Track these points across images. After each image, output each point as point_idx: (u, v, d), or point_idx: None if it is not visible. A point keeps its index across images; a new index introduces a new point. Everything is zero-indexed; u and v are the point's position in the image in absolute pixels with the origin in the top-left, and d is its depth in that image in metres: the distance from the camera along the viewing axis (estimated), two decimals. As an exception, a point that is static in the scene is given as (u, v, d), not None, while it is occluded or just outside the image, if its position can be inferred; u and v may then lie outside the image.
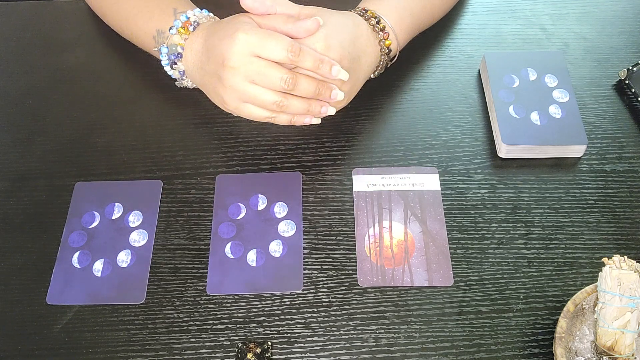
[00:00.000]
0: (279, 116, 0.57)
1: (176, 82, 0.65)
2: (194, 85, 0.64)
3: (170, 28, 0.60)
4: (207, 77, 0.58)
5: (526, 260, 0.56)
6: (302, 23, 0.55)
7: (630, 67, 0.67)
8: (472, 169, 0.62)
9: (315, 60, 0.54)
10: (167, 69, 0.62)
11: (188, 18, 0.60)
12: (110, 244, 0.58)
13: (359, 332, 0.53)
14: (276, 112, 0.57)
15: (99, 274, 0.56)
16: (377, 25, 0.60)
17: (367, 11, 0.61)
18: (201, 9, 0.62)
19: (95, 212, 0.60)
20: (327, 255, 0.57)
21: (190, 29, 0.60)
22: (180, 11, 0.61)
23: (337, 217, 0.59)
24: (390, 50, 0.62)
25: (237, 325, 0.53)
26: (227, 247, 0.57)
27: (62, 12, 0.77)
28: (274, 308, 0.54)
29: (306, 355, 0.52)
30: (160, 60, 0.62)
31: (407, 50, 0.67)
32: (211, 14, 0.62)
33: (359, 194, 0.60)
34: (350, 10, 0.62)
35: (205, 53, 0.57)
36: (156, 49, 0.62)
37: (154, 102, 0.68)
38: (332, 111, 0.59)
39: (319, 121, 0.59)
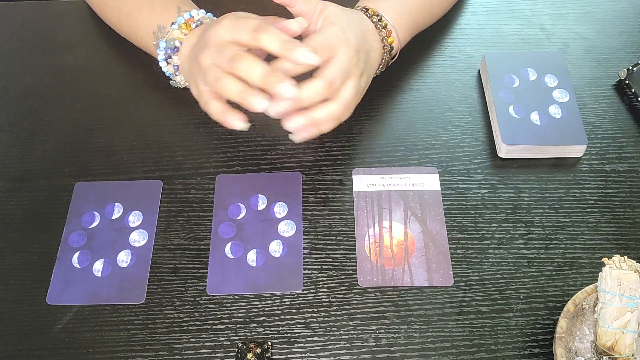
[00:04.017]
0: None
1: (170, 81, 0.65)
2: (187, 84, 0.64)
3: (173, 23, 0.61)
4: (193, 64, 0.57)
5: (526, 260, 0.56)
6: (285, 22, 0.53)
7: (630, 67, 0.67)
8: (472, 169, 0.62)
9: (281, 41, 0.50)
10: (162, 64, 0.62)
11: (192, 16, 0.61)
12: (110, 244, 0.58)
13: (359, 332, 0.53)
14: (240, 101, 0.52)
15: (99, 274, 0.56)
16: (380, 23, 0.61)
17: (367, 9, 0.61)
18: (206, 12, 0.62)
19: (95, 212, 0.60)
20: (327, 255, 0.57)
21: (193, 26, 0.61)
22: (184, 9, 0.62)
23: (337, 217, 0.59)
24: (392, 48, 0.62)
25: (237, 325, 0.53)
26: (227, 247, 0.57)
27: (62, 12, 0.77)
28: (274, 308, 0.54)
29: (306, 355, 0.52)
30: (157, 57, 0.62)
31: (407, 50, 0.67)
32: (214, 18, 0.63)
33: (359, 194, 0.60)
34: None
35: (197, 43, 0.57)
36: (155, 43, 0.62)
37: (154, 102, 0.68)
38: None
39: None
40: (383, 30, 0.61)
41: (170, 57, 0.61)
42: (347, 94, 0.54)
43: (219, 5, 0.64)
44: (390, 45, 0.62)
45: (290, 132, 0.54)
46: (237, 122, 0.53)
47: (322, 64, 0.52)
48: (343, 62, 0.53)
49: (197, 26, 0.61)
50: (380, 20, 0.61)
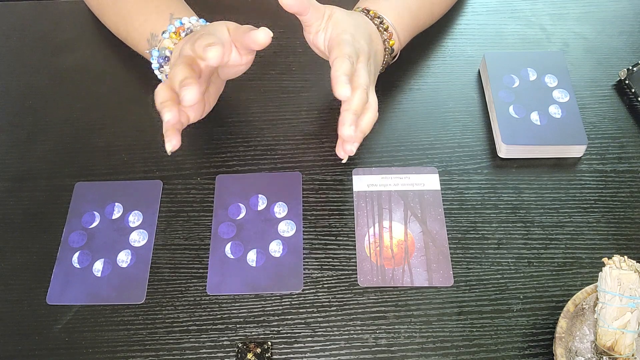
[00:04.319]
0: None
1: None
2: None
3: (164, 32, 0.60)
4: None
5: (526, 260, 0.56)
6: (252, 33, 0.53)
7: (630, 67, 0.67)
8: (472, 169, 0.62)
9: (202, 47, 0.51)
10: (156, 72, 0.62)
11: (182, 24, 0.60)
12: (110, 244, 0.58)
13: (359, 332, 0.53)
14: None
15: (99, 274, 0.56)
16: (381, 26, 0.61)
17: (369, 11, 0.61)
18: (198, 18, 0.62)
19: (95, 212, 0.60)
20: (327, 255, 0.57)
21: (182, 34, 0.60)
22: (176, 17, 0.61)
23: (337, 217, 0.59)
24: (393, 50, 0.62)
25: (237, 325, 0.53)
26: (227, 247, 0.57)
27: (62, 12, 0.77)
28: (274, 308, 0.54)
29: (306, 355, 0.52)
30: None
31: (407, 50, 0.67)
32: (207, 23, 0.62)
33: (359, 194, 0.60)
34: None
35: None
36: (148, 52, 0.62)
37: (154, 102, 0.68)
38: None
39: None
40: (385, 32, 0.61)
41: (161, 66, 0.61)
42: (374, 98, 0.56)
43: (218, 5, 0.64)
44: (391, 47, 0.62)
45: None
46: (167, 144, 0.52)
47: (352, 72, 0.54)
48: (366, 69, 0.54)
49: (187, 34, 0.60)
50: (381, 22, 0.61)
